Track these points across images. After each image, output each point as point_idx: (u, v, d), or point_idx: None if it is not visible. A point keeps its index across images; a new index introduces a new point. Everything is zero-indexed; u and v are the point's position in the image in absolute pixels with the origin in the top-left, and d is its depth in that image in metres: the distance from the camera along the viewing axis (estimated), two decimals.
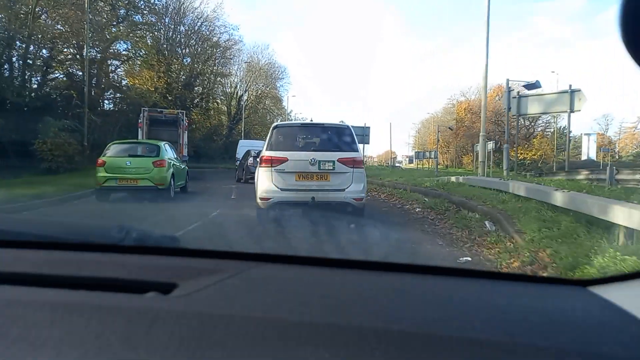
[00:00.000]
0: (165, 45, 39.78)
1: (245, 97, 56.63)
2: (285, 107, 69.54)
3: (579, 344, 0.82)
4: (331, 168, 6.75)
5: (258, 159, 7.70)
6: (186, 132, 20.59)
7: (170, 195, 10.68)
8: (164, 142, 11.98)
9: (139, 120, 20.34)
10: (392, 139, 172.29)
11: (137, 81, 34.34)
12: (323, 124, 7.50)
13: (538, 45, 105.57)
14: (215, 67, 47.92)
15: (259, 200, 6.84)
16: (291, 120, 66.19)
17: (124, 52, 31.47)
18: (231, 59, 50.60)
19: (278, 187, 6.68)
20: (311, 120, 10.47)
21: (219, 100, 54.68)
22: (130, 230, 1.27)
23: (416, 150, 62.84)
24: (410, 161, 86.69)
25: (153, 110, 21.45)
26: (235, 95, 56.83)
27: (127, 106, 34.05)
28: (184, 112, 22.00)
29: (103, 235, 1.36)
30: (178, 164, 11.93)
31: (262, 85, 60.17)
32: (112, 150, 10.82)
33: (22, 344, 0.77)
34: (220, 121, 56.43)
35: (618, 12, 0.86)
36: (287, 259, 1.24)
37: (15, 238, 1.28)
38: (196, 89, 46.68)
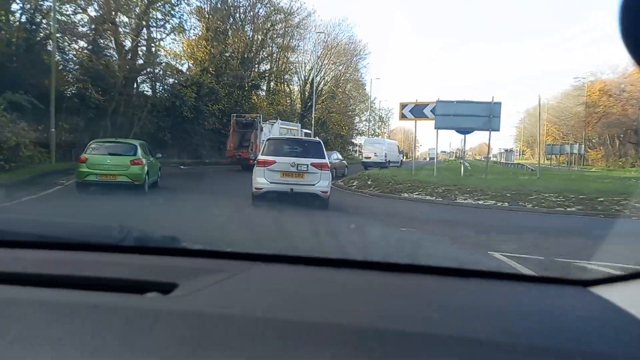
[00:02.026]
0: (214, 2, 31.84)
1: (318, 79, 47.99)
2: (369, 94, 60.08)
3: (579, 344, 0.83)
4: (305, 169, 9.11)
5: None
6: (262, 132, 23.14)
7: (145, 189, 11.33)
8: (141, 142, 12.69)
9: (230, 124, 24.87)
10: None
11: (171, 51, 26.84)
12: (301, 139, 12.73)
13: None
14: (283, 40, 39.64)
15: (254, 190, 9.19)
16: (375, 109, 57.73)
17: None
18: (303, 31, 42.03)
19: (268, 181, 9.05)
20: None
21: (288, 83, 46.53)
22: (130, 231, 1.28)
23: (549, 143, 49.83)
24: (507, 156, 74.10)
25: (239, 115, 25.39)
26: (308, 78, 48.31)
27: (157, 85, 26.64)
28: (261, 115, 25.24)
29: (103, 236, 1.37)
30: (152, 161, 12.38)
31: (342, 67, 51.22)
32: (93, 149, 11.42)
33: (22, 344, 0.78)
34: (292, 107, 48.56)
35: (618, 12, 0.85)
36: (287, 259, 1.24)
37: (16, 238, 1.29)
38: (260, 67, 38.81)
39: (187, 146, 28.13)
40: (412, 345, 0.79)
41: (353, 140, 61.94)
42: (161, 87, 27.61)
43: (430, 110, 17.30)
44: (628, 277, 1.12)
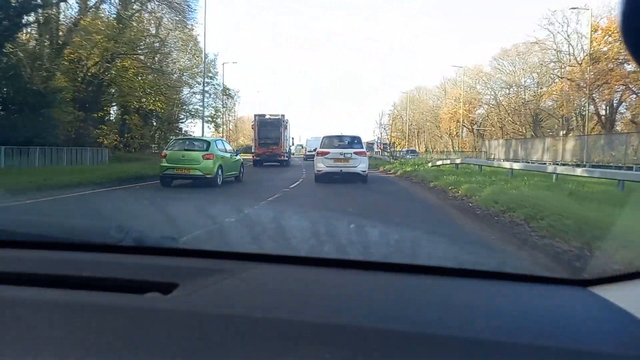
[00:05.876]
0: None
1: None
2: (203, 47, 33.64)
3: (579, 344, 0.82)
4: (350, 156, 14.06)
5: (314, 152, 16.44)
6: (287, 129, 26.44)
7: (217, 182, 12.72)
8: (216, 139, 15.03)
9: (252, 123, 26.96)
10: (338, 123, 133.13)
11: None
12: (347, 135, 15.50)
13: None
14: None
15: (315, 171, 14.42)
16: (214, 75, 45.21)
17: None
18: None
19: (325, 166, 14.08)
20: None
21: None
22: (129, 231, 1.28)
23: None
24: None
25: (260, 115, 26.53)
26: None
27: None
28: (284, 115, 26.30)
29: (103, 235, 1.37)
30: (229, 157, 14.02)
31: None
32: (173, 145, 13.76)
33: (22, 344, 0.78)
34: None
35: (619, 12, 0.83)
36: (287, 259, 1.24)
37: (15, 238, 1.29)
38: None
39: None
40: (412, 345, 0.79)
41: (182, 126, 37.50)
42: None
43: None
44: (628, 277, 1.10)
